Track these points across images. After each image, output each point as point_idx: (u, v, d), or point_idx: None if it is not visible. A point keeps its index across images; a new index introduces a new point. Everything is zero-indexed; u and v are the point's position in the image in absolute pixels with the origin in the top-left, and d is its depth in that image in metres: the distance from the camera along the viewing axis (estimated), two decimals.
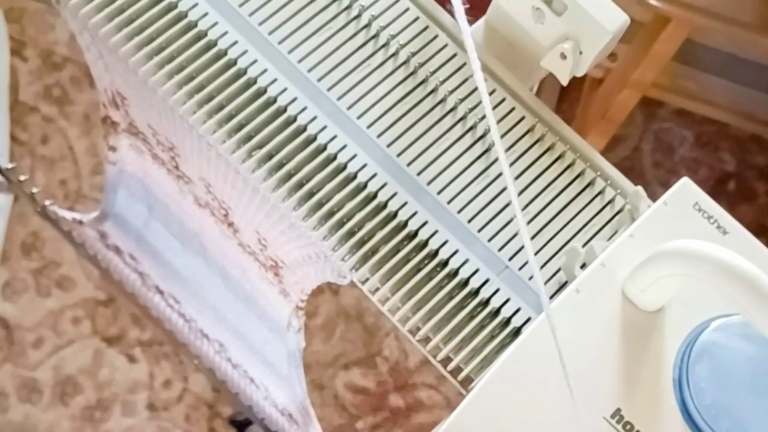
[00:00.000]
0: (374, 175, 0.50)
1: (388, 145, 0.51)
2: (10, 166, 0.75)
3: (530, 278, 0.50)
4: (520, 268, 0.50)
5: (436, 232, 0.50)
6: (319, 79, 0.52)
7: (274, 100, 0.51)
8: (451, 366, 0.48)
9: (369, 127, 0.51)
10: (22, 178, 0.75)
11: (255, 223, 0.56)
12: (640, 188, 0.52)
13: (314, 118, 0.51)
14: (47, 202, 0.75)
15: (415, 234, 0.50)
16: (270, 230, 0.55)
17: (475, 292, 0.49)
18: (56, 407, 1.27)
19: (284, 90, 0.51)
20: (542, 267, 0.51)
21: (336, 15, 0.53)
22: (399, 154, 0.51)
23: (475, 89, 0.54)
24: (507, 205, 0.52)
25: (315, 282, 0.57)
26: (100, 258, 0.81)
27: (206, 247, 0.71)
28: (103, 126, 0.66)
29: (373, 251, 0.49)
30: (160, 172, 0.64)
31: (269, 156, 0.50)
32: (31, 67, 1.41)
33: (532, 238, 0.51)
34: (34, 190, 0.74)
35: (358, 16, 0.54)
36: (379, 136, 0.51)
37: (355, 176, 0.50)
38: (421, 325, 0.48)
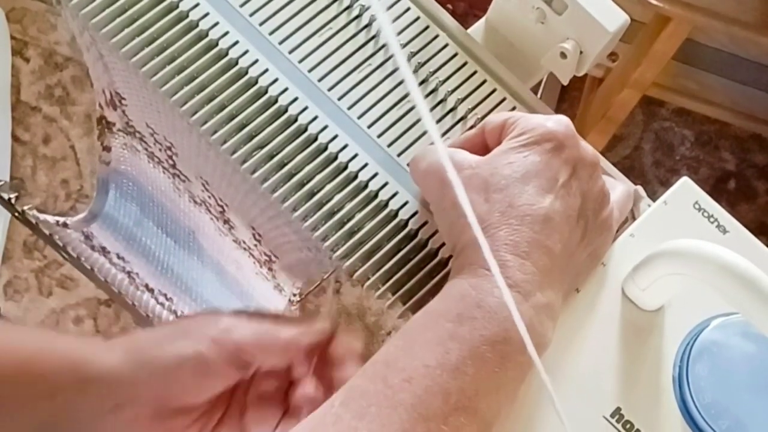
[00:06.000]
0: (375, 175, 0.50)
1: (389, 145, 0.51)
2: None
3: None
4: None
5: (436, 232, 0.50)
6: (320, 79, 0.52)
7: (275, 101, 0.51)
8: None
9: (370, 127, 0.52)
10: None
11: (250, 218, 0.57)
12: (639, 188, 0.52)
13: (315, 118, 0.51)
14: (26, 207, 0.74)
15: (416, 233, 0.50)
16: (264, 224, 0.56)
17: None
18: None
19: (285, 90, 0.51)
20: None
21: (336, 15, 0.54)
22: (399, 154, 0.51)
23: (476, 89, 0.54)
24: None
25: (304, 276, 0.57)
26: (84, 259, 0.80)
27: (201, 243, 0.71)
28: (98, 126, 0.66)
29: (373, 250, 0.49)
30: (155, 171, 0.64)
31: (270, 156, 0.50)
32: (33, 67, 1.42)
33: None
34: (12, 195, 0.73)
35: (358, 16, 0.54)
36: (380, 136, 0.51)
37: (356, 176, 0.50)
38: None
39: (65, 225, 0.77)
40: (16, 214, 0.73)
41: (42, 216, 0.75)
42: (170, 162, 0.60)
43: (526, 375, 0.42)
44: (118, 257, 0.81)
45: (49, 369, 0.48)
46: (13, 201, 0.72)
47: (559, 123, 0.45)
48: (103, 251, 0.81)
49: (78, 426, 0.48)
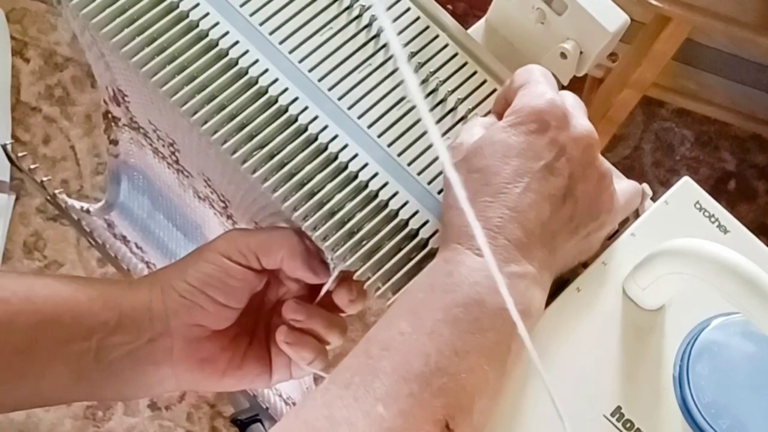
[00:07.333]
0: (375, 175, 0.50)
1: (389, 145, 0.51)
2: (20, 154, 0.75)
3: None
4: None
5: (437, 231, 0.50)
6: (320, 79, 0.52)
7: (276, 101, 0.51)
8: None
9: (369, 127, 0.52)
10: (32, 166, 0.75)
11: (251, 213, 0.57)
12: (646, 185, 0.52)
13: (315, 118, 0.51)
14: (57, 191, 0.76)
15: (416, 233, 0.50)
16: (265, 220, 0.56)
17: None
18: (58, 406, 1.27)
19: (285, 90, 0.51)
20: None
21: (337, 15, 0.54)
22: (399, 154, 0.51)
23: (476, 89, 0.54)
24: None
25: None
26: (109, 246, 0.81)
27: (208, 238, 0.71)
28: (104, 120, 0.66)
29: (374, 250, 0.49)
30: (160, 166, 0.64)
31: (270, 156, 0.50)
32: (33, 67, 1.42)
33: None
34: (45, 178, 0.75)
35: (359, 16, 0.54)
36: (380, 136, 0.52)
37: (356, 176, 0.50)
38: None
39: (88, 211, 0.78)
40: (48, 197, 0.75)
41: (70, 201, 0.76)
42: (173, 158, 0.60)
43: (510, 343, 0.42)
44: (137, 246, 0.82)
45: (84, 311, 0.51)
46: (44, 182, 0.74)
47: (550, 102, 0.45)
48: (124, 240, 0.82)
49: (113, 363, 0.51)
